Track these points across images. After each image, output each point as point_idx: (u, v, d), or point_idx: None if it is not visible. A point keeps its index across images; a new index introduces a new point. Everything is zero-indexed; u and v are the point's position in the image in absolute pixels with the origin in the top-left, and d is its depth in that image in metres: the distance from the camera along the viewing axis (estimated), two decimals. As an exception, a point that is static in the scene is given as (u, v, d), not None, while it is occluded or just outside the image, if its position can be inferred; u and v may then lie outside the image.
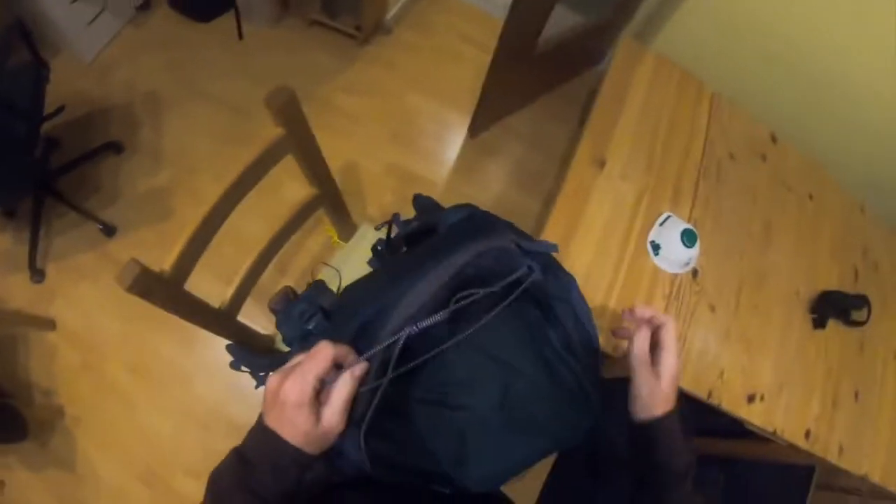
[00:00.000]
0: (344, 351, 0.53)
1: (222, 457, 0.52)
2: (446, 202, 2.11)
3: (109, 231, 2.04)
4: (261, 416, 0.53)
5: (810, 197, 1.43)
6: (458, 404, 0.50)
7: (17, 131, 1.64)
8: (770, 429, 1.19)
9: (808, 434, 1.21)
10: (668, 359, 0.65)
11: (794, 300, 1.31)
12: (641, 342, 0.66)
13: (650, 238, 1.22)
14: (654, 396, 0.63)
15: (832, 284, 1.35)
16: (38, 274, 1.98)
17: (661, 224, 1.23)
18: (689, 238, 1.17)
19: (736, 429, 1.64)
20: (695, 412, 1.82)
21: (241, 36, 2.42)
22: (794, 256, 1.35)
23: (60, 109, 1.83)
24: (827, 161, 1.48)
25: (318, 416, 0.50)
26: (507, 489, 0.59)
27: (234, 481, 0.51)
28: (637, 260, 1.20)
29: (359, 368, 0.52)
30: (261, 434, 0.52)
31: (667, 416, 0.63)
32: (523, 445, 0.51)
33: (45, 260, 2.02)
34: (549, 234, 1.16)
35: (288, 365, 0.53)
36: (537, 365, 0.52)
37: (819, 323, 1.30)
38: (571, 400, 0.52)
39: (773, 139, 1.45)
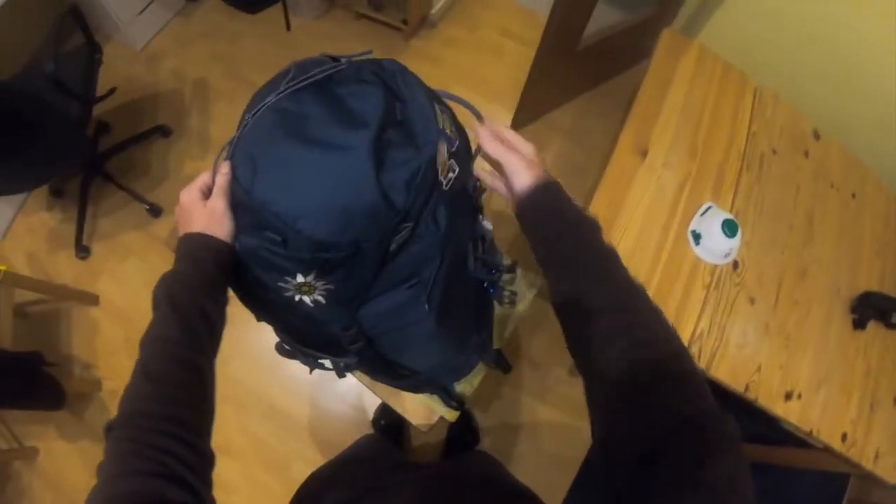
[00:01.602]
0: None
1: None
2: (491, 196, 2.13)
3: (156, 212, 2.11)
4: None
5: (853, 196, 1.40)
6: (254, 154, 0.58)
7: (70, 111, 1.71)
8: (806, 429, 1.17)
9: (844, 437, 1.18)
10: (516, 141, 0.68)
11: (835, 298, 1.29)
12: (487, 140, 0.67)
13: (691, 227, 1.22)
14: (521, 169, 0.64)
15: (874, 284, 1.33)
16: (83, 250, 2.05)
17: (702, 214, 1.23)
18: (730, 228, 1.17)
19: (770, 435, 1.62)
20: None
21: (288, 27, 2.46)
22: (836, 253, 1.33)
23: (112, 91, 1.89)
24: (867, 157, 1.46)
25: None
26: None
27: (163, 286, 0.58)
28: (677, 249, 1.20)
29: (224, 166, 0.62)
30: (177, 244, 0.61)
31: (548, 181, 0.63)
32: (315, 159, 0.56)
33: (92, 238, 2.10)
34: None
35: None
36: (327, 105, 0.59)
37: (859, 323, 1.28)
38: (343, 121, 0.58)
39: (816, 136, 1.44)
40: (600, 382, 0.51)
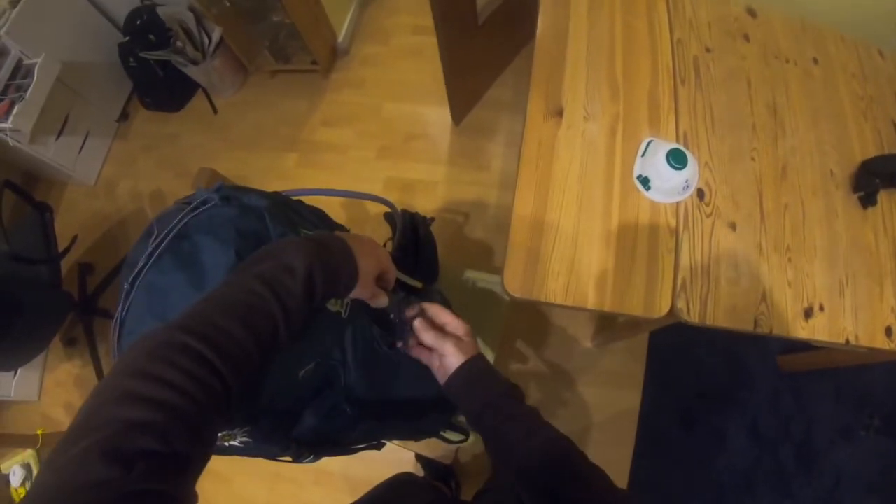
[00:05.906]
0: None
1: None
2: (452, 196, 2.04)
3: (157, 328, 2.13)
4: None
5: (815, 61, 1.23)
6: None
7: (40, 276, 1.77)
8: (841, 340, 1.02)
9: (889, 331, 1.03)
10: (451, 322, 0.75)
11: (830, 183, 1.13)
12: (422, 331, 0.74)
13: (635, 173, 1.09)
14: (452, 354, 0.71)
15: (870, 150, 1.16)
16: (110, 387, 2.09)
17: (642, 154, 1.10)
18: (676, 158, 1.03)
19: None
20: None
21: (215, 111, 2.52)
22: (816, 133, 1.16)
23: (74, 239, 1.94)
24: (820, 15, 1.28)
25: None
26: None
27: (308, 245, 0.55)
28: (628, 202, 1.07)
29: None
30: (337, 243, 0.59)
31: (473, 361, 0.71)
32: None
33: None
34: (521, 207, 1.06)
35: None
36: (186, 270, 0.59)
37: (868, 200, 1.12)
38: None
39: (752, 13, 1.27)
40: None
